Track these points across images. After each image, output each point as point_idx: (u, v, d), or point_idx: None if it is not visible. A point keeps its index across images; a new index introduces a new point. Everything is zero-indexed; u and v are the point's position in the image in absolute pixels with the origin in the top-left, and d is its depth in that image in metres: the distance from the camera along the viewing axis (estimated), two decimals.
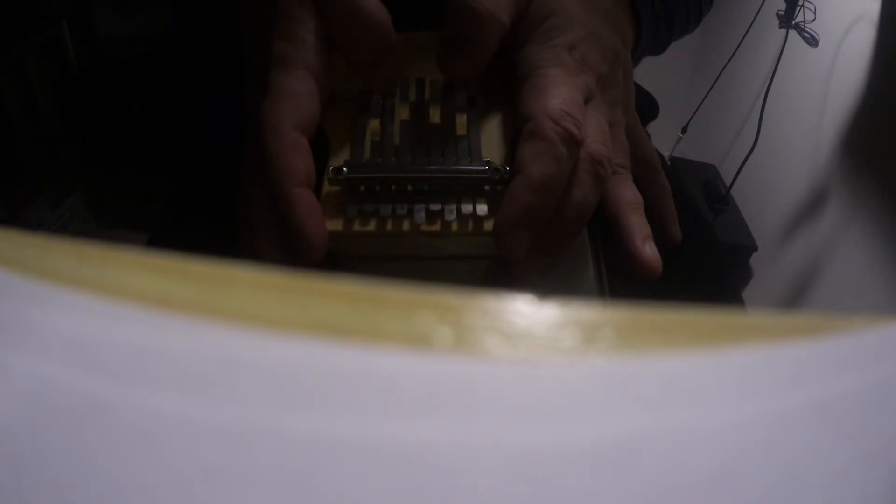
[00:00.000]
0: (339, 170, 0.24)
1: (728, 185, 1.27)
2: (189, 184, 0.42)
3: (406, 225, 0.24)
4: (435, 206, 0.24)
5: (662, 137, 1.48)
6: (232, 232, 0.25)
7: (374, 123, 0.26)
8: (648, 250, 0.27)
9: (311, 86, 0.24)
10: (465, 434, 0.08)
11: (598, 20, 0.29)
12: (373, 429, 0.08)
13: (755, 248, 1.25)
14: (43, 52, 1.13)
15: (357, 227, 0.24)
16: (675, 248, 0.31)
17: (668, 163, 1.35)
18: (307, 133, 0.24)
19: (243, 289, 0.10)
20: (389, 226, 0.24)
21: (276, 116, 0.23)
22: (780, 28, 1.14)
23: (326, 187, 0.25)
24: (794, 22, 1.12)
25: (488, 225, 0.24)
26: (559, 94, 0.25)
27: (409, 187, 0.25)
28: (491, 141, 0.27)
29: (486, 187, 0.25)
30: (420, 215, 0.24)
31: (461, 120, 0.26)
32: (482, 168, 0.25)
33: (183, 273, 0.10)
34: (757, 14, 1.25)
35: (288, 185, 0.22)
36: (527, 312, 0.10)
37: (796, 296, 1.11)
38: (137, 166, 1.22)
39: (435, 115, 0.27)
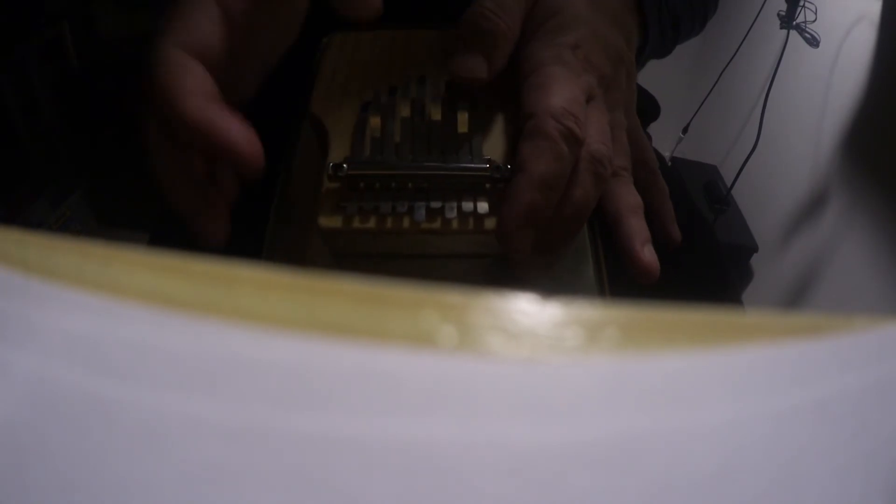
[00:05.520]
0: (339, 166, 0.24)
1: (729, 185, 1.27)
2: None
3: (406, 222, 0.24)
4: (435, 204, 0.24)
5: (663, 138, 1.48)
6: (231, 231, 0.25)
7: (375, 120, 0.26)
8: (647, 254, 0.26)
9: (210, 9, 0.23)
10: (469, 432, 0.08)
11: (603, 20, 0.29)
12: (376, 427, 0.08)
13: (756, 249, 1.25)
14: (44, 51, 1.13)
15: (357, 224, 0.24)
16: (675, 248, 0.31)
17: (669, 163, 1.36)
18: (208, 61, 0.22)
19: (247, 287, 0.10)
20: (389, 223, 0.24)
21: (161, 40, 0.21)
22: (781, 28, 1.14)
23: (326, 184, 0.25)
24: (794, 22, 1.12)
25: (489, 223, 0.24)
26: (561, 92, 0.25)
27: (410, 185, 0.25)
28: (492, 139, 0.27)
29: (487, 185, 0.25)
30: (420, 213, 0.24)
31: (462, 118, 0.26)
32: (483, 166, 0.25)
33: (186, 272, 0.10)
34: (758, 14, 1.25)
35: (184, 103, 0.20)
36: (530, 311, 0.10)
37: (796, 296, 1.11)
38: (138, 166, 1.22)
39: (436, 113, 0.27)
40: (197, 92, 0.21)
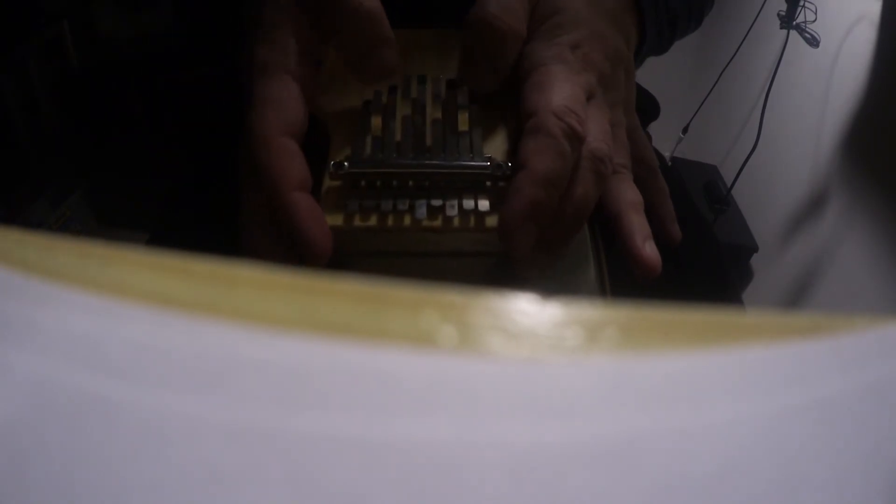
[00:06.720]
0: (340, 164, 0.24)
1: (729, 185, 1.27)
2: (189, 183, 0.42)
3: (407, 220, 0.24)
4: (436, 202, 0.24)
5: (663, 138, 1.48)
6: (232, 231, 0.25)
7: (376, 119, 0.26)
8: (648, 249, 0.27)
9: (293, 90, 0.24)
10: (470, 432, 0.08)
11: (602, 20, 0.29)
12: (377, 427, 0.08)
13: (756, 249, 1.25)
14: (44, 51, 1.13)
15: (358, 222, 0.24)
16: (675, 248, 0.31)
17: (669, 163, 1.36)
18: (296, 137, 0.24)
19: (247, 288, 0.10)
20: (390, 221, 0.24)
21: (261, 125, 0.23)
22: (781, 28, 1.14)
23: (327, 182, 0.25)
24: (794, 22, 1.12)
25: (490, 221, 0.24)
26: (562, 90, 0.25)
27: (411, 183, 0.25)
28: (492, 137, 0.27)
29: (488, 183, 0.25)
30: (421, 211, 0.24)
31: (462, 116, 0.26)
32: (484, 164, 0.25)
33: (186, 272, 0.10)
34: (758, 14, 1.25)
35: (285, 192, 0.22)
36: (531, 311, 0.10)
37: (796, 296, 1.11)
38: (137, 166, 1.22)
39: (436, 112, 0.27)
40: (297, 184, 0.23)
